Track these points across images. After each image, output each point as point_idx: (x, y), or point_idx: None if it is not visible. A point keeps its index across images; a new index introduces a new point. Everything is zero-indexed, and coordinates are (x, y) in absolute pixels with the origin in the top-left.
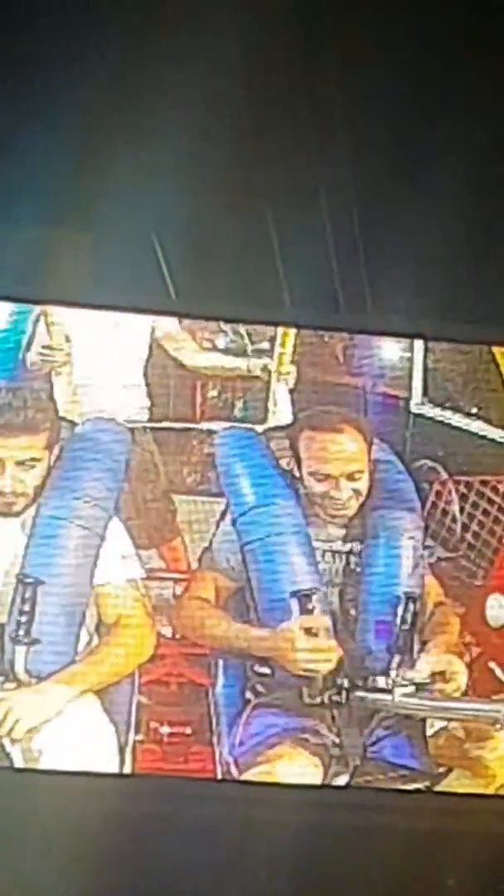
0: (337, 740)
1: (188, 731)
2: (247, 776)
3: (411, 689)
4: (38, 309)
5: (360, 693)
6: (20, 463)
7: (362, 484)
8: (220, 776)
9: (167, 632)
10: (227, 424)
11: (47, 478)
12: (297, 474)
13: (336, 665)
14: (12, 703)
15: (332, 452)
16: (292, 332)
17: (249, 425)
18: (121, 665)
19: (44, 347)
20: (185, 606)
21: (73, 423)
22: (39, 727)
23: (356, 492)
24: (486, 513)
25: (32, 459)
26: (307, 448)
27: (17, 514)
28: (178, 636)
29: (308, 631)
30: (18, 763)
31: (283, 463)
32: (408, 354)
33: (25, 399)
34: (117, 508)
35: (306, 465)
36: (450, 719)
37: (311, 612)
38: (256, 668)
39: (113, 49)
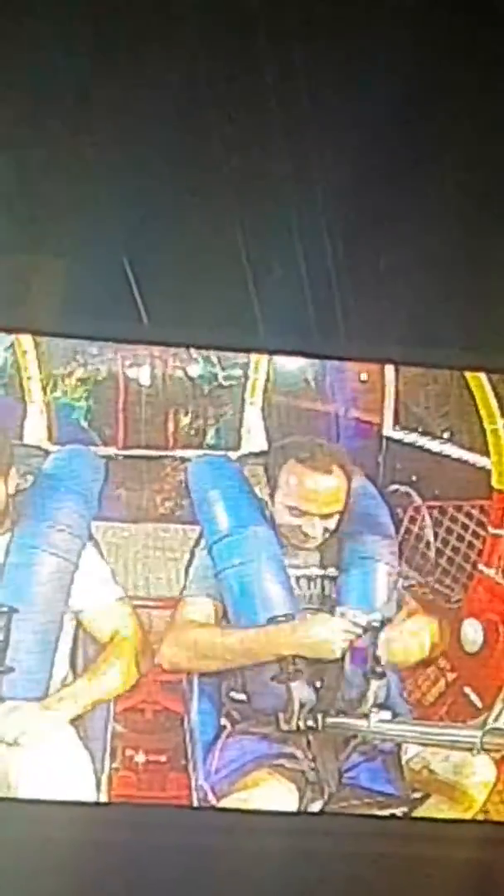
0: (313, 766)
1: (164, 758)
2: (223, 803)
3: (388, 714)
4: (9, 337)
5: (335, 719)
6: None
7: (333, 522)
8: (196, 803)
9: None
10: (201, 451)
11: (7, 504)
12: (268, 500)
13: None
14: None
15: (315, 492)
16: (265, 358)
17: (223, 452)
18: (125, 675)
19: (15, 376)
20: (178, 631)
21: (46, 452)
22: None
23: (326, 529)
24: (459, 538)
25: None
26: (288, 480)
27: None
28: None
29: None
30: None
31: (257, 490)
32: (380, 380)
33: None
34: (90, 536)
35: (284, 495)
36: (426, 744)
37: None
38: (232, 694)
39: (83, 71)
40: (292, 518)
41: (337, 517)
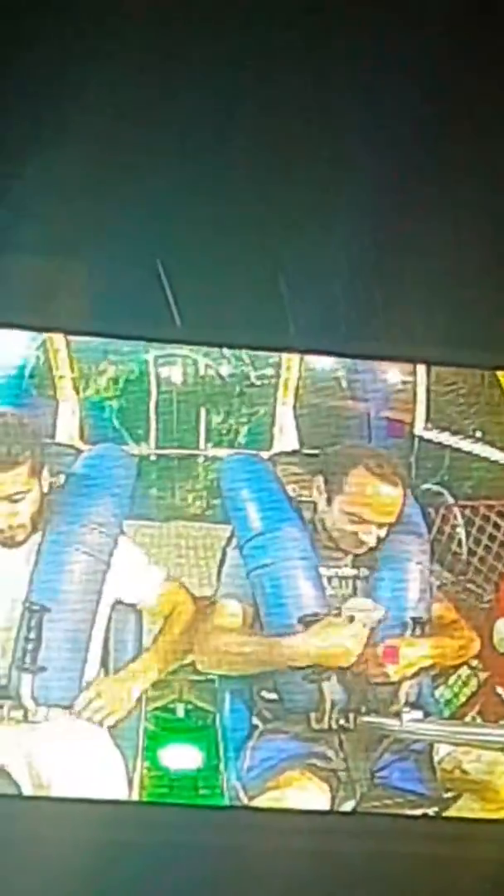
0: (344, 766)
1: (196, 757)
2: (255, 802)
3: (420, 714)
4: (42, 337)
5: (367, 718)
6: (8, 497)
7: (386, 531)
8: (228, 802)
9: None
10: (233, 451)
11: (42, 505)
12: (322, 504)
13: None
14: (101, 690)
15: (379, 502)
16: (296, 357)
17: (254, 451)
18: (187, 637)
19: (48, 375)
20: (209, 637)
21: (78, 451)
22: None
23: (378, 537)
24: (491, 537)
25: (19, 493)
26: (354, 486)
27: (20, 544)
28: (187, 662)
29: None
30: (27, 791)
31: (290, 489)
32: (411, 379)
33: None
34: (122, 534)
35: (345, 501)
36: (457, 744)
37: None
38: (264, 694)
39: (118, 77)
40: (350, 524)
41: (388, 528)
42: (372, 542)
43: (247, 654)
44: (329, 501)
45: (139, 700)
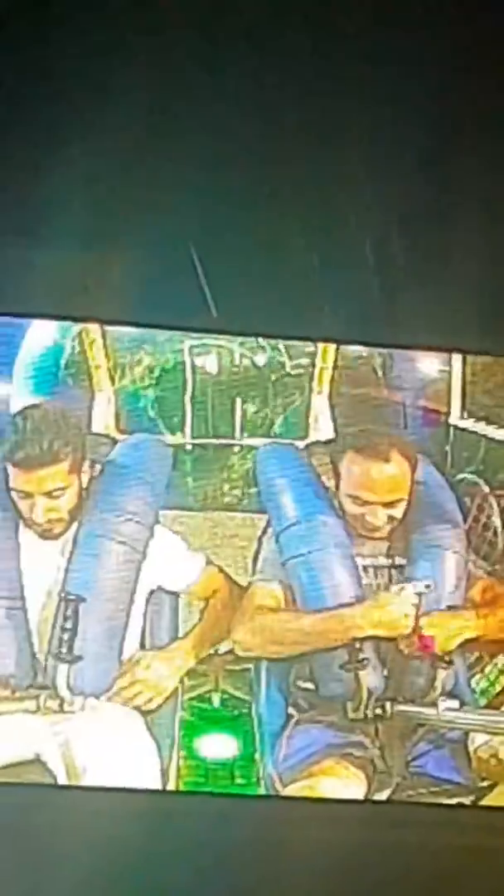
0: (380, 755)
1: (232, 746)
2: (291, 791)
3: (455, 703)
4: (77, 327)
5: (403, 707)
6: (48, 493)
7: (399, 511)
8: (264, 792)
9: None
10: (268, 440)
11: (81, 499)
12: (335, 492)
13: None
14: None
15: (375, 480)
16: (332, 347)
17: (290, 441)
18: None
19: (83, 365)
20: (250, 617)
21: (113, 440)
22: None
23: (391, 518)
24: None
25: (59, 489)
26: (349, 470)
27: (58, 537)
28: (221, 651)
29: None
30: (62, 780)
31: (325, 479)
32: (447, 369)
33: (39, 428)
34: (158, 523)
35: (345, 486)
36: (494, 733)
37: None
38: (300, 683)
39: (148, 68)
40: (355, 507)
41: (402, 505)
42: (381, 522)
43: (294, 630)
44: (337, 488)
45: (175, 689)
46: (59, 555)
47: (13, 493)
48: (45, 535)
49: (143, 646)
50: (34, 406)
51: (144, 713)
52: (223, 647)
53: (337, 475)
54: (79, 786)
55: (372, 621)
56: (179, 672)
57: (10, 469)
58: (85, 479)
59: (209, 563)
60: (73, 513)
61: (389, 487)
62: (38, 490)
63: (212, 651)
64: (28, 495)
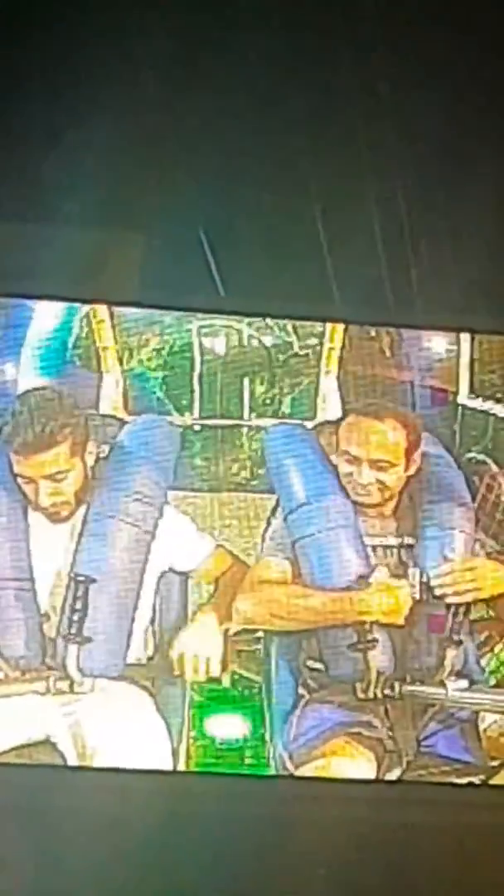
0: (390, 734)
1: (242, 727)
2: (301, 772)
3: (465, 682)
4: (85, 308)
5: (412, 687)
6: (49, 477)
7: (389, 477)
8: (274, 772)
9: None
10: (276, 420)
11: (87, 480)
12: (337, 461)
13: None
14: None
15: (365, 437)
16: (340, 327)
17: (299, 421)
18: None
19: (91, 346)
20: (254, 588)
21: (122, 422)
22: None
23: (380, 482)
24: None
25: (60, 472)
26: (346, 431)
27: (66, 520)
28: (233, 632)
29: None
30: (72, 761)
31: (333, 458)
32: (455, 348)
33: (34, 411)
34: (167, 504)
35: (341, 446)
36: (503, 713)
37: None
38: (310, 663)
39: (164, 48)
40: (346, 466)
41: (394, 472)
42: (367, 481)
43: (301, 606)
44: (336, 451)
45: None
46: (68, 536)
47: (18, 479)
48: (53, 518)
49: (152, 626)
50: (32, 390)
51: (154, 694)
52: (233, 628)
53: (337, 441)
54: (90, 767)
55: (381, 606)
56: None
57: (11, 455)
58: (90, 460)
59: (218, 544)
60: (78, 495)
61: (377, 444)
62: (39, 474)
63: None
64: (30, 480)
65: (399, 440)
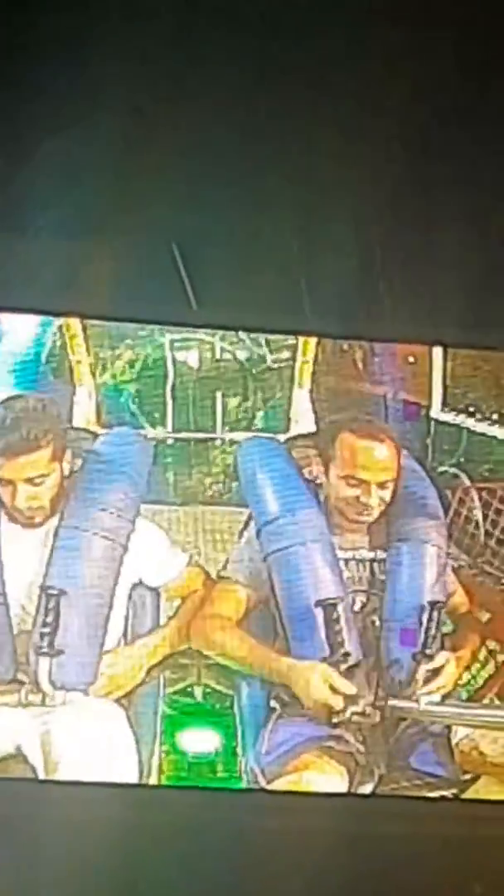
0: (363, 748)
1: (214, 740)
2: (274, 785)
3: (437, 697)
4: (58, 321)
5: (385, 702)
6: (29, 480)
7: (388, 493)
8: (246, 786)
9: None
10: (249, 434)
11: (62, 488)
12: (323, 478)
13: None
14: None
15: (371, 459)
16: (313, 341)
17: (271, 434)
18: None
19: (64, 360)
20: (205, 624)
21: (94, 435)
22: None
23: (382, 500)
24: None
25: (40, 476)
26: (342, 450)
27: (39, 525)
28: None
29: (330, 685)
30: (43, 775)
31: (306, 472)
32: (427, 362)
33: (19, 417)
34: (139, 517)
35: (339, 467)
36: (476, 726)
37: (336, 621)
38: None
39: (136, 62)
40: (349, 489)
41: (391, 487)
42: (374, 503)
43: (237, 654)
44: (327, 473)
45: (157, 683)
46: (40, 547)
47: None
48: (27, 523)
49: (125, 640)
50: (14, 397)
51: (126, 707)
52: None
53: (327, 460)
54: (61, 780)
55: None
56: (143, 669)
57: None
58: (67, 469)
59: (191, 562)
60: (53, 502)
61: (383, 467)
62: (20, 477)
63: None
64: (9, 483)
65: (394, 456)
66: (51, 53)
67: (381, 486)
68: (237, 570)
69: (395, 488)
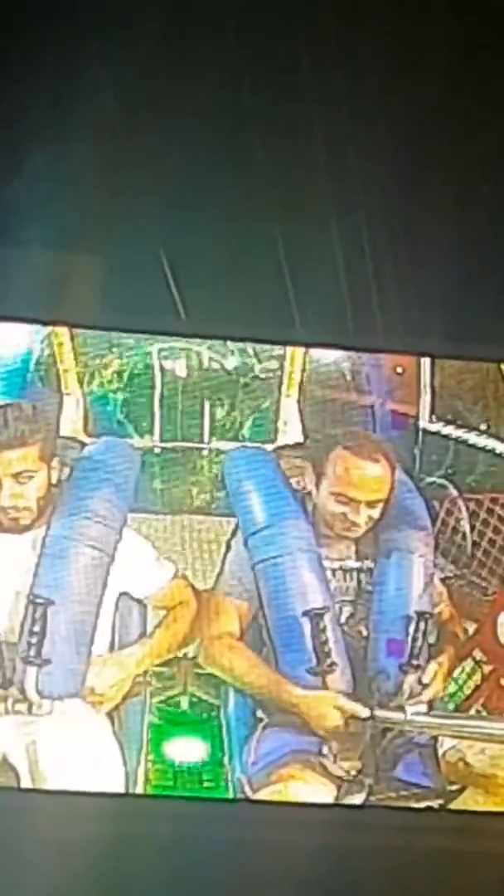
0: (346, 764)
1: (200, 750)
2: (260, 795)
3: (423, 707)
4: (46, 330)
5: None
6: (15, 476)
7: (377, 511)
8: (232, 795)
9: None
10: (237, 444)
11: (49, 494)
12: (313, 490)
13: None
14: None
15: (362, 479)
16: (301, 351)
17: (259, 444)
18: (187, 631)
19: (52, 368)
20: (214, 647)
21: (82, 444)
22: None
23: (370, 517)
24: (496, 530)
25: (27, 471)
26: (335, 467)
27: (25, 529)
28: (190, 655)
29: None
30: (29, 784)
31: (294, 482)
32: (416, 372)
33: (8, 416)
34: (126, 527)
35: (330, 483)
36: (462, 737)
37: (323, 631)
38: None
39: (123, 72)
40: (337, 505)
41: (380, 506)
42: (362, 521)
43: (244, 674)
44: (318, 487)
45: (143, 693)
46: (27, 555)
47: None
48: (13, 527)
49: (112, 649)
50: (3, 406)
51: (113, 717)
52: (191, 652)
53: (318, 474)
54: (46, 790)
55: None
56: (129, 679)
57: None
58: (54, 475)
59: (177, 574)
60: (40, 503)
61: (374, 487)
62: (6, 472)
63: (179, 655)
64: None
65: (387, 475)
66: (38, 67)
67: (371, 504)
68: (234, 584)
69: (385, 507)
